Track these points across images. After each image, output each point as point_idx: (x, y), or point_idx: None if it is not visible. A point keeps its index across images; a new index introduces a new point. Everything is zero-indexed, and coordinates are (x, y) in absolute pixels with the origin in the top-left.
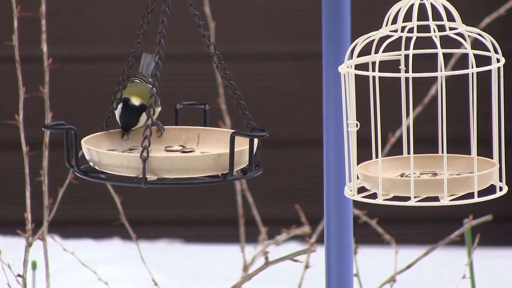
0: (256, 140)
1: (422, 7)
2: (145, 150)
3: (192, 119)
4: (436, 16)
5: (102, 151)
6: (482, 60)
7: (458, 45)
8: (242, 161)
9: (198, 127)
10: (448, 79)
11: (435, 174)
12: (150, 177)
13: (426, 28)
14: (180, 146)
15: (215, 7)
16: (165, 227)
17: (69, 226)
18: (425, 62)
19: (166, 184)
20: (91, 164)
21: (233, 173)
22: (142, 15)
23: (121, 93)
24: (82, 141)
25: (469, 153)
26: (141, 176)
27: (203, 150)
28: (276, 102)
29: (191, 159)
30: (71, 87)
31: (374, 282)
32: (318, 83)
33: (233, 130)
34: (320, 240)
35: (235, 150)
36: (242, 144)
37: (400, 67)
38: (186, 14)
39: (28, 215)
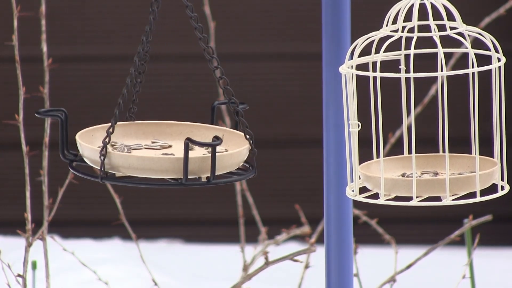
0: (217, 148)
1: (422, 7)
2: (105, 147)
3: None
4: (436, 16)
5: (84, 144)
6: (483, 60)
7: (458, 44)
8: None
9: (183, 122)
10: (449, 78)
11: (436, 174)
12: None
13: (427, 28)
14: (164, 143)
15: (215, 7)
16: (165, 227)
17: (69, 226)
18: (425, 62)
19: (121, 182)
20: (87, 162)
21: (187, 179)
22: (150, 11)
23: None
24: (76, 136)
25: (469, 152)
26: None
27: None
28: (276, 102)
29: (146, 160)
30: (71, 87)
31: (374, 282)
32: (318, 83)
33: (232, 129)
34: (320, 240)
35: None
36: (238, 146)
37: (400, 67)
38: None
39: (28, 215)
